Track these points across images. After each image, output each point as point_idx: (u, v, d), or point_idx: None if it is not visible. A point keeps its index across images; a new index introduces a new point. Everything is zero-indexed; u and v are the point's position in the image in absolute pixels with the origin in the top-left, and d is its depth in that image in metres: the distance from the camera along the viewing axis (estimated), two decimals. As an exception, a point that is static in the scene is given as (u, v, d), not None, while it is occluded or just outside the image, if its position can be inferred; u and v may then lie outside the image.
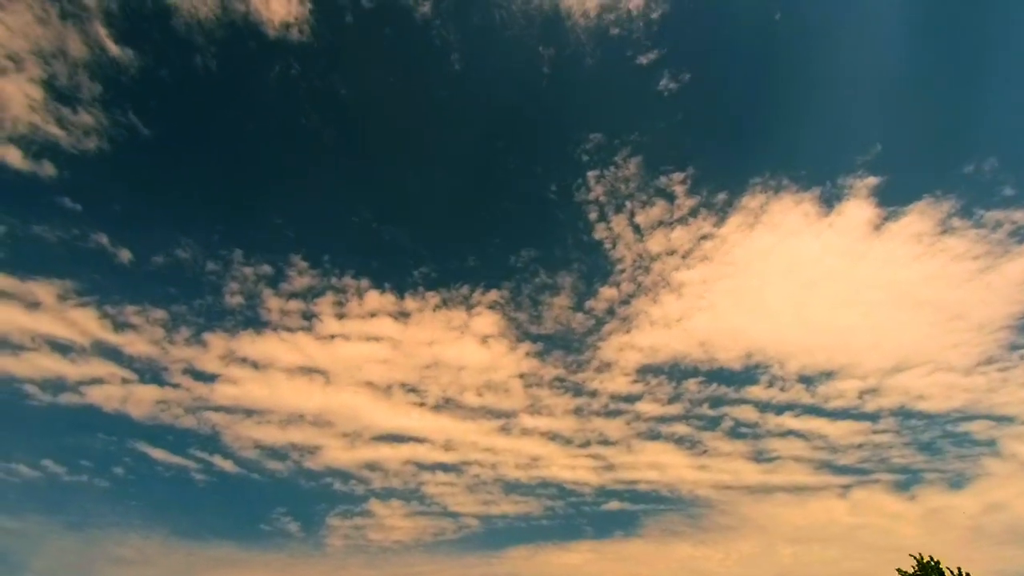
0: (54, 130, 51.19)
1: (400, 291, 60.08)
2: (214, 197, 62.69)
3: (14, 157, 49.54)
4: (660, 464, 56.62)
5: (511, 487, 56.73)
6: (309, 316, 58.22)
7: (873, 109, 60.13)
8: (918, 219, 55.13)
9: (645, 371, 59.30)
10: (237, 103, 61.34)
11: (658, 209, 60.33)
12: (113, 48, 52.08)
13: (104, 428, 53.09)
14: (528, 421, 58.16)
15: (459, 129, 65.04)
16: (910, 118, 60.27)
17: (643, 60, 59.20)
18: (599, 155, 61.91)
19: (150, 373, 54.17)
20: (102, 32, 51.37)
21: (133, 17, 52.31)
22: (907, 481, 52.88)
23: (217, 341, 55.63)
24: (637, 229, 60.75)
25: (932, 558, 23.48)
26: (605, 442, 58.11)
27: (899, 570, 23.62)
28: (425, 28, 58.09)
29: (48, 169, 51.44)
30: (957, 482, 51.42)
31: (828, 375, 56.20)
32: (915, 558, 23.66)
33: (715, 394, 58.49)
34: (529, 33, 59.51)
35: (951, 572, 23.15)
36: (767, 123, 63.31)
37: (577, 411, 59.03)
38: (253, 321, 57.38)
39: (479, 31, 59.66)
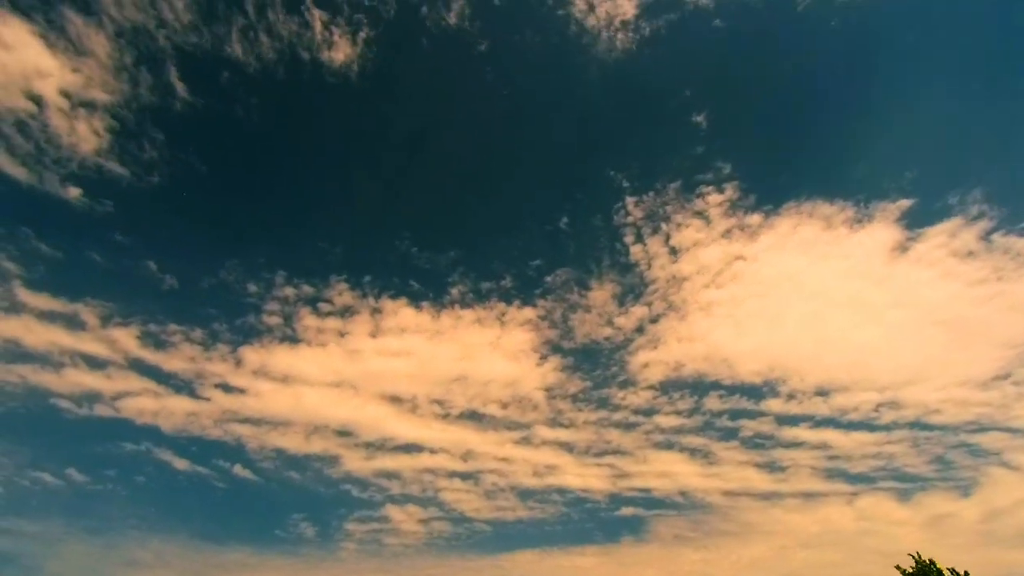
0: (117, 168, 55.64)
1: (436, 309, 62.51)
2: (263, 224, 66.72)
3: (75, 194, 54.03)
4: (673, 473, 57.96)
5: (526, 494, 58.34)
6: (344, 333, 60.53)
7: (907, 135, 62.08)
8: (945, 241, 56.44)
9: (668, 386, 60.84)
10: (292, 137, 66.01)
11: (693, 230, 62.38)
12: (181, 91, 56.93)
13: (133, 440, 55.32)
14: (548, 433, 59.76)
15: (505, 156, 69.01)
16: (939, 145, 61.95)
17: (687, 92, 63.34)
18: (639, 181, 64.91)
19: (184, 388, 56.47)
20: (174, 74, 56.18)
21: (203, 61, 57.18)
22: (918, 490, 53.81)
23: (251, 357, 58.01)
24: (672, 251, 62.89)
25: (931, 560, 24.39)
26: (621, 452, 59.40)
27: (898, 567, 24.46)
28: (480, 62, 62.64)
29: (107, 205, 55.93)
30: (966, 490, 52.34)
31: (845, 389, 57.02)
32: (914, 557, 24.49)
33: (734, 407, 59.62)
34: (577, 66, 63.41)
35: (949, 572, 23.93)
36: (805, 147, 65.89)
37: (597, 423, 60.45)
38: (289, 338, 59.81)
39: (530, 65, 63.96)
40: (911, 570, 24.28)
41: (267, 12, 58.06)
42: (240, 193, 65.37)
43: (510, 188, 68.58)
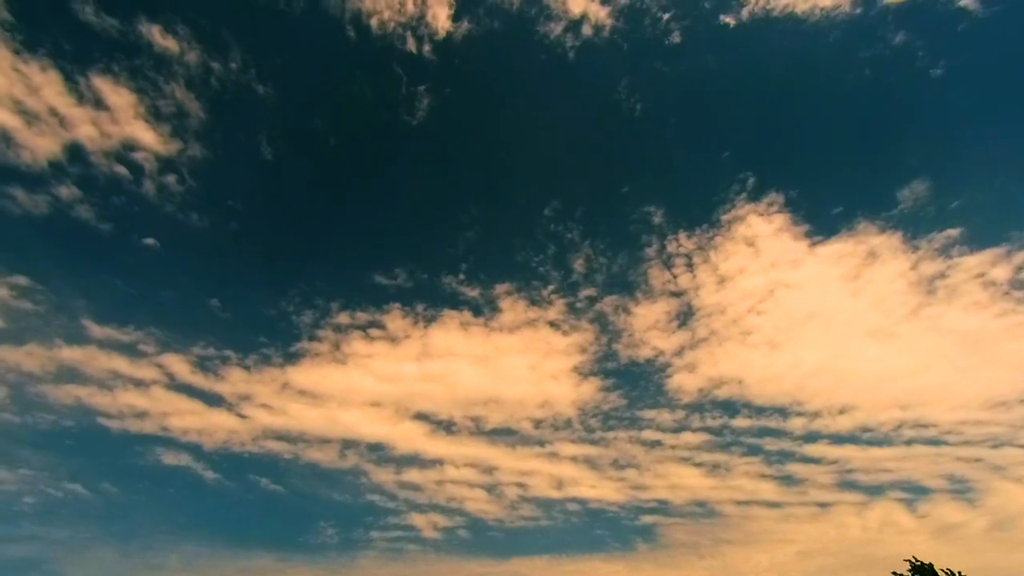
0: (196, 221, 61.48)
1: (485, 334, 65.63)
2: (327, 261, 70.92)
3: (151, 243, 59.89)
4: (691, 486, 59.43)
5: (546, 504, 60.17)
6: (391, 357, 63.61)
7: (958, 165, 63.63)
8: (984, 271, 57.95)
9: (699, 406, 62.37)
10: (361, 184, 71.51)
11: (740, 258, 64.51)
12: (267, 151, 63.18)
13: (173, 456, 57.56)
14: (575, 449, 61.81)
15: (563, 198, 72.04)
16: (988, 176, 62.74)
17: (745, 127, 68.78)
18: (693, 214, 68.09)
19: (229, 408, 59.15)
20: (262, 137, 62.63)
21: (291, 123, 64.13)
22: (931, 501, 54.80)
23: (296, 379, 60.82)
24: (720, 280, 64.88)
25: (929, 563, 25.64)
26: (644, 467, 61.00)
27: (895, 573, 25.75)
28: (547, 115, 69.54)
29: (181, 253, 62.02)
30: (977, 502, 53.28)
31: (869, 409, 58.34)
32: (910, 562, 25.71)
33: (758, 425, 60.89)
34: (638, 110, 68.42)
35: (944, 573, 25.17)
36: (856, 178, 67.88)
37: (626, 440, 62.17)
38: (337, 361, 62.75)
39: (598, 116, 69.66)
40: (907, 574, 25.51)
41: (356, 73, 65.45)
42: (309, 235, 70.45)
43: (569, 226, 71.96)
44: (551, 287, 67.70)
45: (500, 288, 67.08)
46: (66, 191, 55.29)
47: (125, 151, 56.39)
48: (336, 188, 69.97)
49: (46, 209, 54.55)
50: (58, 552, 51.66)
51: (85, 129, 54.14)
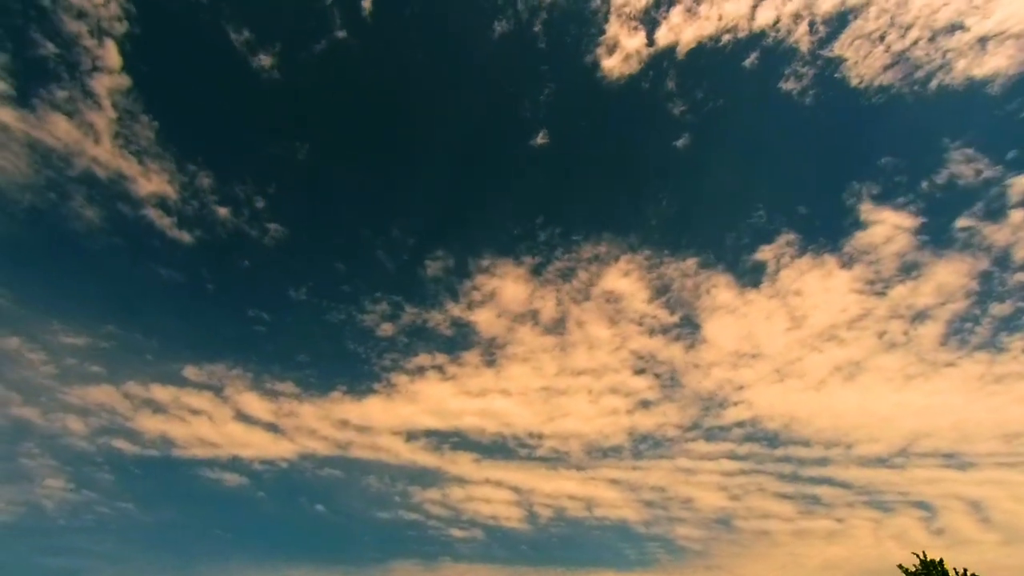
0: (304, 295, 68.00)
1: (555, 372, 67.41)
2: (413, 309, 71.54)
3: (257, 316, 66.06)
4: (721, 508, 60.91)
5: (580, 522, 62.53)
6: (461, 394, 66.47)
7: None
8: None
9: (746, 438, 63.38)
10: (455, 251, 73.51)
11: (812, 302, 64.44)
12: (366, 230, 70.18)
13: (234, 481, 60.73)
14: (617, 473, 63.75)
15: (641, 252, 71.74)
16: None
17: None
18: (769, 268, 66.99)
19: (291, 438, 62.03)
20: (372, 225, 70.56)
21: (405, 211, 71.09)
22: (946, 518, 55.66)
23: (362, 412, 63.79)
24: (790, 325, 65.03)
25: (938, 559, 23.57)
26: (680, 491, 62.49)
27: (900, 566, 23.70)
28: (631, 184, 73.00)
29: (285, 319, 67.69)
30: (991, 519, 54.32)
31: (901, 440, 59.28)
32: (918, 556, 23.68)
33: (798, 455, 61.51)
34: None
35: (955, 572, 23.13)
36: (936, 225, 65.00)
37: (671, 469, 63.69)
38: (407, 397, 65.43)
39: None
40: (914, 569, 23.55)
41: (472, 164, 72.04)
42: (398, 289, 72.21)
43: (645, 277, 72.06)
44: (626, 329, 68.52)
45: (575, 335, 68.71)
46: (197, 271, 65.08)
47: (249, 244, 65.93)
48: (430, 249, 73.14)
49: (179, 285, 64.22)
50: (98, 563, 54.61)
51: (220, 229, 64.36)
